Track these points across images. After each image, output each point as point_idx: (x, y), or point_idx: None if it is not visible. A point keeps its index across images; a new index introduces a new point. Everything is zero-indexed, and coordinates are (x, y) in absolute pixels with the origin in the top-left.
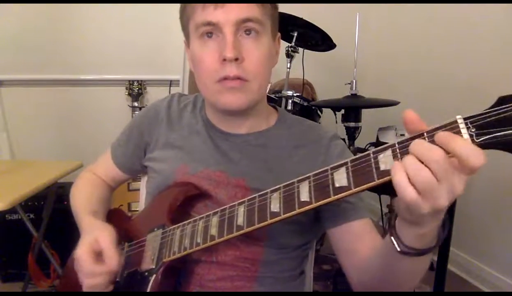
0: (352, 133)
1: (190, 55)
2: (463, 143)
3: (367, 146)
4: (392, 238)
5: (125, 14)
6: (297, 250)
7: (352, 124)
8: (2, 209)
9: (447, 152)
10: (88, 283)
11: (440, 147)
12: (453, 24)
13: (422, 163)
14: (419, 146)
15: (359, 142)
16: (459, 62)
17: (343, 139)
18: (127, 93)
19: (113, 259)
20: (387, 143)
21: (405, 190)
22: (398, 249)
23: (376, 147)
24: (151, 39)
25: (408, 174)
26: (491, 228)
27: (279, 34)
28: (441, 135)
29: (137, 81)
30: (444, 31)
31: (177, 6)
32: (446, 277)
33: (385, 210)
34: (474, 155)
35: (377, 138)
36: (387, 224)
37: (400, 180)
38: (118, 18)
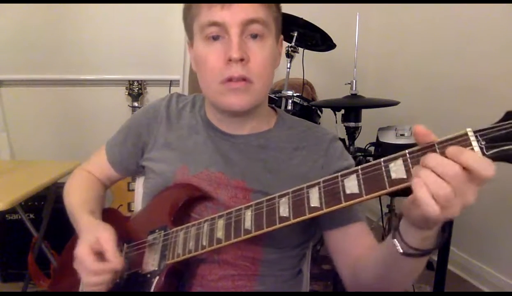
0: (352, 133)
1: (193, 55)
2: (474, 157)
3: (367, 146)
4: (395, 240)
5: (125, 14)
6: (296, 249)
7: (352, 124)
8: (2, 209)
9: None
10: (90, 281)
11: (453, 160)
12: (453, 24)
13: (439, 176)
14: (435, 160)
15: (359, 142)
16: (459, 62)
17: (343, 139)
18: (127, 93)
19: (116, 258)
20: (387, 143)
21: (429, 205)
22: (401, 250)
23: (376, 147)
24: (151, 39)
25: (430, 189)
26: (491, 228)
27: (281, 36)
28: (452, 150)
29: (137, 81)
30: (444, 31)
31: (177, 6)
32: (446, 277)
33: (385, 210)
34: (485, 167)
35: (377, 138)
36: (387, 224)
37: (424, 196)
38: (118, 18)
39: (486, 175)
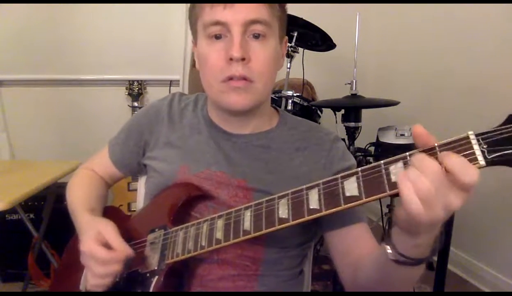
0: (352, 133)
1: (197, 54)
2: (458, 161)
3: (367, 146)
4: (387, 246)
5: (125, 14)
6: (297, 249)
7: (352, 124)
8: (2, 209)
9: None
10: (99, 272)
11: (440, 162)
12: (453, 23)
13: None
14: (418, 158)
15: (359, 142)
16: (459, 62)
17: (343, 139)
18: (127, 93)
19: (123, 246)
20: (387, 143)
21: (411, 201)
22: (392, 257)
23: (376, 147)
24: (151, 39)
25: (411, 182)
26: (491, 228)
27: (286, 37)
28: (442, 153)
29: (137, 81)
30: (444, 31)
31: (177, 6)
32: (446, 277)
33: (385, 210)
34: (466, 172)
35: (377, 138)
36: (387, 224)
37: (405, 188)
38: (118, 18)
39: (465, 180)
